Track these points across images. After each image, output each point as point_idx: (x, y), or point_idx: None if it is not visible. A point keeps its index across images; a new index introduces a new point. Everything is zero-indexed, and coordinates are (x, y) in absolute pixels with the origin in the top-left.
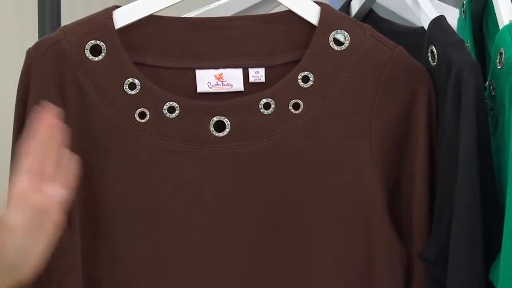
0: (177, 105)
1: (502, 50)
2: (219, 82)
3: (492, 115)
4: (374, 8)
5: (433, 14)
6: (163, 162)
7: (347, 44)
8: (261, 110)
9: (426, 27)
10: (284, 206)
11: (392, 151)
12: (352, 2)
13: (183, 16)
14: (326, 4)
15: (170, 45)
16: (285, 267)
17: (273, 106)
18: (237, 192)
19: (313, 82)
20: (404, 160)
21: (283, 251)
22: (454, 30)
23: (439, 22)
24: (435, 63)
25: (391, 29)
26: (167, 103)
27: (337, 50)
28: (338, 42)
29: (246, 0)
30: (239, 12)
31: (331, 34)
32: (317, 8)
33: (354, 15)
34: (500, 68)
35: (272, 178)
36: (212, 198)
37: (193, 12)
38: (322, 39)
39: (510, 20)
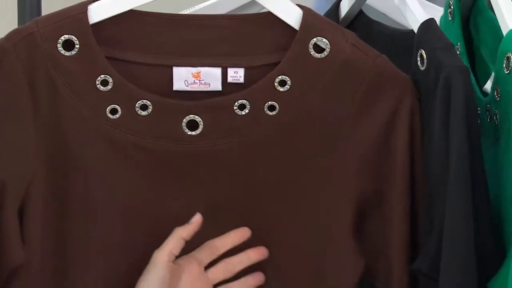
0: (149, 103)
1: (509, 54)
2: (196, 81)
3: (496, 121)
4: (364, 9)
5: (422, 17)
6: (134, 159)
7: (327, 52)
8: (236, 111)
9: (415, 30)
10: (252, 206)
11: (370, 163)
12: (341, 3)
13: None
14: (309, 9)
15: (149, 41)
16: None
17: (248, 107)
18: (208, 190)
19: (290, 86)
20: (384, 172)
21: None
22: (443, 34)
23: (429, 25)
24: (424, 67)
25: (382, 32)
26: (139, 101)
27: (316, 57)
28: (318, 49)
29: (230, 3)
30: (228, 12)
31: (312, 40)
32: (300, 12)
33: (343, 17)
34: (507, 73)
35: (242, 178)
36: (183, 195)
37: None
38: (302, 44)
39: None
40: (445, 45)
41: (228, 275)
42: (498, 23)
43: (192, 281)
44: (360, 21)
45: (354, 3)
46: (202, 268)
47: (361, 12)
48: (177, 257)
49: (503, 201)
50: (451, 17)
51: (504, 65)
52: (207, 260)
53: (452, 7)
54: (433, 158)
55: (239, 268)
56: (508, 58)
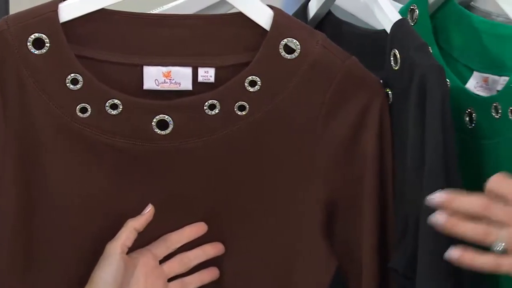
0: (119, 102)
1: None
2: (166, 80)
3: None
4: (332, 10)
5: (394, 16)
6: (104, 158)
7: (297, 53)
8: (206, 111)
9: (388, 30)
10: (220, 205)
11: (339, 163)
12: (309, 4)
13: None
14: (280, 10)
15: (119, 40)
16: (219, 260)
17: (218, 107)
18: (177, 189)
19: (260, 86)
20: (353, 172)
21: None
22: (417, 33)
23: (402, 25)
24: (397, 67)
25: (352, 32)
26: (109, 100)
27: (286, 58)
28: (288, 50)
29: (199, 3)
30: (197, 12)
31: (282, 41)
32: (270, 13)
33: (312, 18)
34: None
35: (210, 178)
36: (153, 195)
37: (153, 11)
38: (272, 45)
39: None
40: (419, 45)
41: (183, 269)
42: (469, 24)
43: (146, 274)
44: (329, 22)
45: (323, 4)
46: (157, 262)
47: (329, 13)
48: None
49: None
50: (414, 22)
51: None
52: (162, 254)
53: (417, 11)
54: (408, 158)
55: (195, 263)
56: None
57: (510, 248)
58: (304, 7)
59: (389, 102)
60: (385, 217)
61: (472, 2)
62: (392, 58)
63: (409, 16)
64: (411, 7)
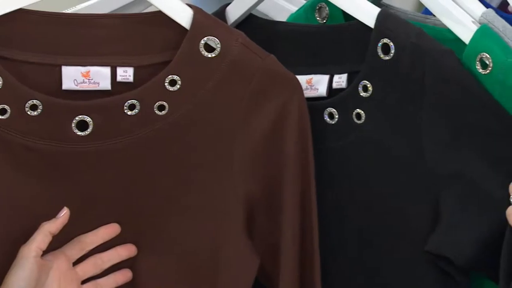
0: (39, 103)
1: (483, 55)
2: (85, 80)
3: None
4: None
5: (371, 8)
6: (24, 160)
7: (217, 52)
8: (126, 111)
9: (366, 21)
10: (140, 205)
11: (259, 162)
12: (228, 8)
13: None
14: (200, 9)
15: (38, 40)
16: (139, 259)
17: (138, 107)
18: (96, 190)
19: (180, 86)
20: (273, 171)
21: (140, 250)
22: (407, 21)
23: (389, 14)
24: (389, 56)
25: (285, 30)
26: (29, 101)
27: (206, 57)
28: (208, 48)
29: (113, 2)
30: (112, 12)
31: (202, 39)
32: (190, 12)
33: (232, 22)
34: (486, 74)
35: (130, 178)
36: (72, 196)
37: (65, 10)
38: (192, 44)
39: None
40: (419, 32)
41: (97, 271)
42: None
43: (59, 277)
44: (250, 23)
45: (248, 8)
46: (71, 264)
47: (251, 15)
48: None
49: None
50: (323, 19)
51: (479, 67)
52: (76, 256)
53: (327, 9)
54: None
55: (109, 265)
56: (481, 59)
57: None
58: (222, 11)
59: (368, 95)
60: (306, 215)
61: (382, 1)
62: (380, 49)
63: (317, 14)
64: (319, 5)
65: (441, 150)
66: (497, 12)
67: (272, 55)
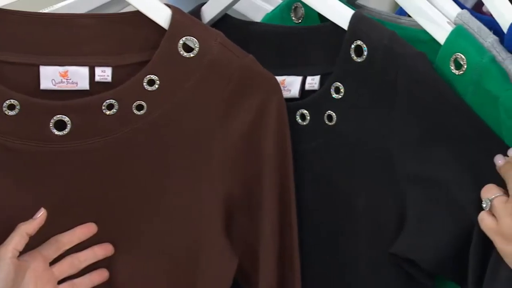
0: (17, 102)
1: (457, 55)
2: (63, 80)
3: None
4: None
5: (345, 10)
6: (2, 160)
7: (196, 51)
8: (104, 111)
9: (340, 23)
10: (119, 205)
11: (238, 163)
12: (203, 8)
13: None
14: (178, 8)
15: (16, 40)
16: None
17: (116, 107)
18: (76, 189)
19: (159, 85)
20: (252, 172)
21: (118, 250)
22: (380, 24)
23: (363, 17)
24: (362, 59)
25: (261, 31)
26: (6, 101)
27: (185, 57)
28: (187, 48)
29: (91, 2)
30: (89, 11)
31: (181, 39)
32: (168, 12)
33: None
34: (459, 74)
35: (111, 177)
36: (52, 195)
37: (42, 10)
38: (171, 44)
39: None
40: (391, 34)
41: (73, 271)
42: None
43: (36, 277)
44: (225, 23)
45: (224, 8)
46: (47, 264)
47: (226, 16)
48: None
49: None
50: (298, 19)
51: (453, 67)
52: (52, 256)
53: (303, 10)
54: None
55: (85, 264)
56: (455, 59)
57: (493, 211)
58: (197, 10)
59: (340, 97)
60: (285, 215)
61: (357, 1)
62: (353, 51)
63: (292, 14)
64: (295, 5)
65: (410, 152)
66: (472, 13)
67: (250, 55)
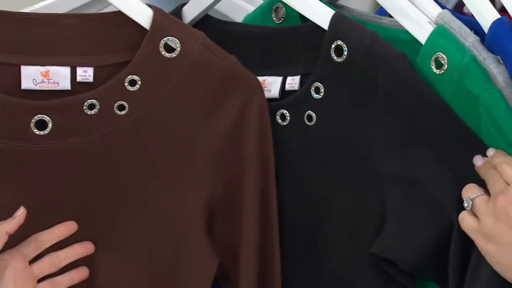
0: None
1: (438, 55)
2: (45, 80)
3: None
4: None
5: (326, 10)
6: None
7: (177, 52)
8: (85, 111)
9: (321, 24)
10: (99, 204)
11: (220, 163)
12: (184, 8)
13: None
14: (160, 9)
15: None
16: (98, 258)
17: (97, 107)
18: (57, 188)
19: (140, 86)
20: (233, 172)
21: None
22: (361, 24)
23: (343, 17)
24: (342, 59)
25: (241, 31)
26: None
27: (166, 57)
28: (168, 49)
29: (71, 2)
30: (69, 12)
31: (162, 40)
32: (150, 12)
33: (189, 22)
34: (439, 74)
35: (93, 177)
36: (33, 194)
37: (23, 10)
38: (152, 44)
39: None
40: (372, 35)
41: (53, 269)
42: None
43: (15, 276)
44: (206, 24)
45: (204, 8)
46: (27, 263)
47: (208, 16)
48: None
49: None
50: (280, 20)
51: (434, 67)
52: (32, 254)
53: (284, 10)
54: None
55: (65, 263)
56: (436, 59)
57: (474, 211)
58: (178, 11)
59: (320, 97)
60: (266, 215)
61: (338, 1)
62: (333, 51)
63: (273, 14)
64: (276, 6)
65: (391, 153)
66: (453, 14)
67: (232, 56)
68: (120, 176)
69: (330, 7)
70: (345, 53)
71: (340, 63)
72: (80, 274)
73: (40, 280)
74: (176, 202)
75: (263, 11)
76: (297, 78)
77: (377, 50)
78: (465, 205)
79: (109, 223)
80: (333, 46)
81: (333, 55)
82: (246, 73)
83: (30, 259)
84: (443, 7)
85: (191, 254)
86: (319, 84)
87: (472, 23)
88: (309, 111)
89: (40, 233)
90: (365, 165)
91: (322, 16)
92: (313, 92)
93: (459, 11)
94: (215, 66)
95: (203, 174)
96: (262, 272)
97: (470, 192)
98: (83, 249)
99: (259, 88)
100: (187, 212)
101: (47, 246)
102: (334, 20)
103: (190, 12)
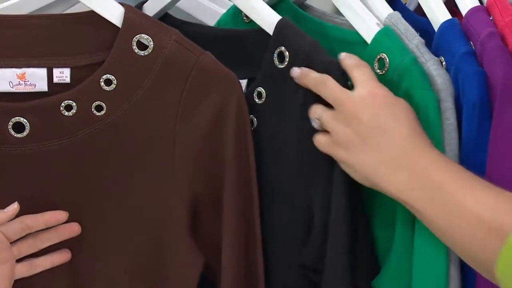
0: None
1: (381, 55)
2: (21, 82)
3: None
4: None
5: (273, 16)
6: None
7: (150, 49)
8: (62, 112)
9: (267, 29)
10: (81, 206)
11: (200, 162)
12: (145, 6)
13: None
14: (131, 6)
15: None
16: (80, 258)
17: (75, 108)
18: (37, 191)
19: (116, 85)
20: (214, 171)
21: (83, 251)
22: (303, 31)
23: (288, 24)
24: (284, 65)
25: (198, 32)
26: None
27: (140, 55)
28: (141, 46)
29: (36, 2)
30: (34, 11)
31: (135, 38)
32: (121, 10)
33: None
34: (382, 74)
35: (73, 178)
36: (13, 197)
37: None
38: (125, 42)
39: None
40: (312, 42)
41: (34, 250)
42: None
43: None
44: (167, 23)
45: (166, 5)
46: (7, 242)
47: (167, 14)
48: None
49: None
50: (249, 20)
51: (377, 67)
52: (13, 237)
53: None
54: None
55: (47, 244)
56: (380, 59)
57: (324, 127)
58: (139, 7)
59: (262, 102)
60: (248, 213)
61: (306, 1)
62: (276, 56)
63: (243, 14)
64: None
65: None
66: (411, 15)
67: (207, 52)
68: (101, 177)
69: (296, 8)
70: (287, 59)
71: (282, 69)
72: (61, 257)
73: (20, 261)
74: (157, 201)
75: (234, 12)
76: (244, 82)
77: (312, 58)
78: (316, 125)
79: (92, 224)
80: (276, 52)
81: (276, 61)
82: (222, 70)
83: (12, 240)
84: (403, 9)
85: (175, 253)
86: (261, 89)
87: (427, 24)
88: (251, 115)
89: (26, 216)
90: (298, 170)
91: (269, 22)
92: (255, 97)
93: (422, 13)
94: (190, 63)
95: (183, 173)
96: (245, 269)
97: (316, 112)
98: (67, 231)
99: (236, 84)
100: (169, 211)
101: (32, 230)
102: (279, 26)
103: (151, 9)
